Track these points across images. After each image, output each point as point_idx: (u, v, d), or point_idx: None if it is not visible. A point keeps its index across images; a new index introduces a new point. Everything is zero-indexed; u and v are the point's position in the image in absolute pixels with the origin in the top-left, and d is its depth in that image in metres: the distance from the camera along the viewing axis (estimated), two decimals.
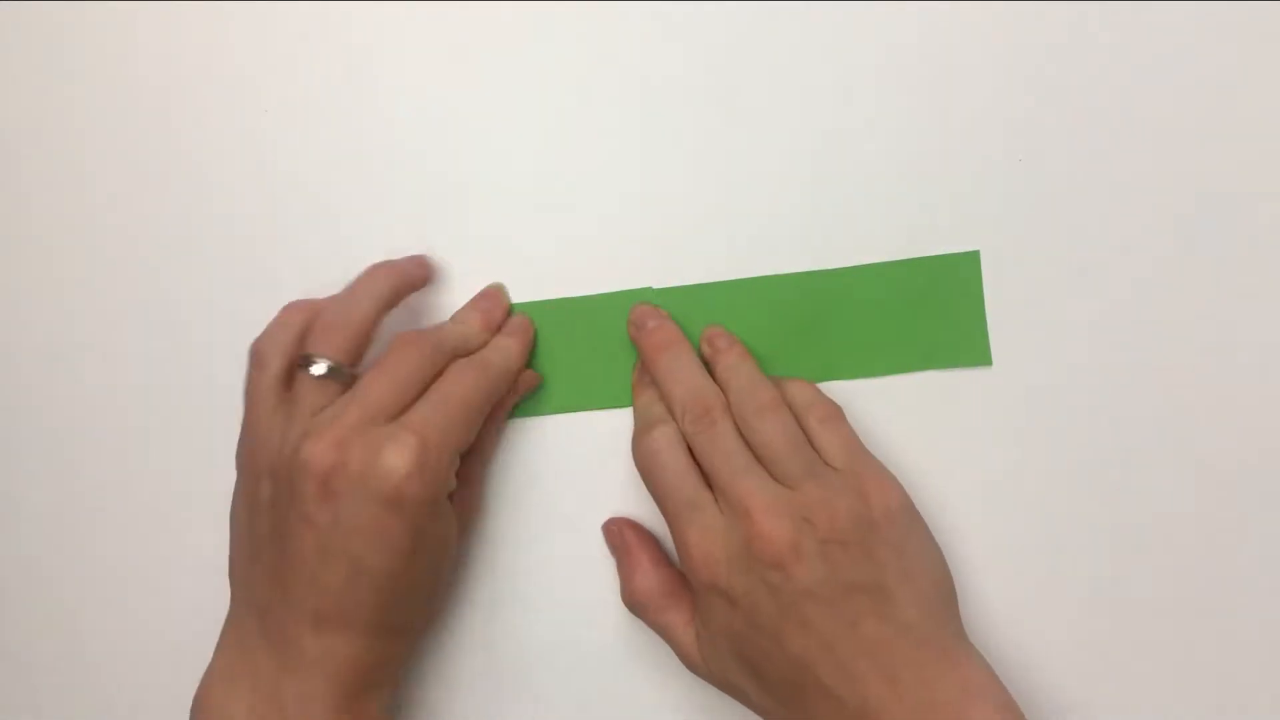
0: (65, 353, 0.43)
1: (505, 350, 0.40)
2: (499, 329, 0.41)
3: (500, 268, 0.42)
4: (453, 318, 0.41)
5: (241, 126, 0.42)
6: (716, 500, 0.36)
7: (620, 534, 0.40)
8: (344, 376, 0.37)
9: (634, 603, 0.39)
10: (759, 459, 0.36)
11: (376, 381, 0.36)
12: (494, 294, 0.41)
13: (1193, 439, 0.40)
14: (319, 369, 0.37)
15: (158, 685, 0.42)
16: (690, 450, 0.37)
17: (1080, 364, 0.40)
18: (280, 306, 0.39)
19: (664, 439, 0.37)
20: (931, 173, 0.40)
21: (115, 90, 0.42)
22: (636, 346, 0.40)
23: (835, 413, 0.38)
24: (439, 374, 0.37)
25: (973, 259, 0.40)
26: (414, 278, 0.41)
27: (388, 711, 0.37)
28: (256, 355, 0.38)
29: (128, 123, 0.43)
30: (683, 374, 0.38)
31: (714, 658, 0.36)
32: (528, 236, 0.42)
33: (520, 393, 0.41)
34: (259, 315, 0.42)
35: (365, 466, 0.34)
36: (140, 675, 0.43)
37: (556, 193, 0.42)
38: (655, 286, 0.41)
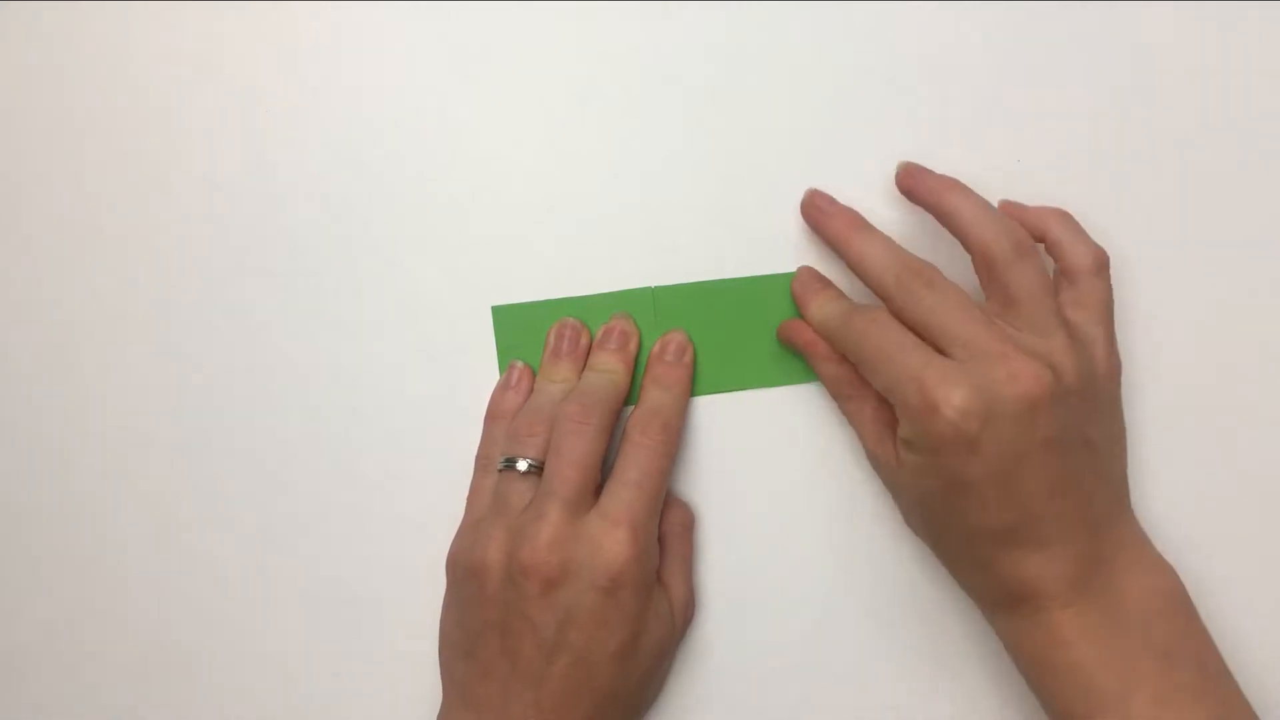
0: (64, 353, 0.43)
1: (674, 407, 0.39)
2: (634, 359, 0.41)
3: (500, 266, 0.42)
4: (593, 365, 0.40)
5: (241, 126, 0.42)
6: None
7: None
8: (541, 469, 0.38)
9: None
10: (1003, 312, 0.36)
11: (566, 471, 0.37)
12: (623, 330, 0.41)
13: (1195, 452, 0.40)
14: (523, 466, 0.38)
15: (153, 684, 0.43)
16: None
17: None
18: (274, 303, 0.40)
19: (876, 312, 0.37)
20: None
21: (115, 90, 0.42)
22: (819, 231, 0.40)
23: (1105, 261, 0.38)
24: (609, 431, 0.38)
25: None
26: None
27: None
28: (482, 461, 0.40)
29: (127, 123, 0.42)
30: (884, 245, 0.38)
31: (918, 493, 0.36)
32: (527, 236, 0.42)
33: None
34: (259, 314, 0.42)
35: (584, 563, 0.36)
36: (136, 675, 0.43)
37: (556, 192, 0.42)
38: (653, 286, 0.41)
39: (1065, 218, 0.39)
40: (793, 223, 0.41)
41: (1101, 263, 0.38)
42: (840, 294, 0.40)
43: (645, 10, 0.41)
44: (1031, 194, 0.40)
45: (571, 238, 0.42)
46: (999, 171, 0.40)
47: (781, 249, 0.41)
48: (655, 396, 0.40)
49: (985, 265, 0.36)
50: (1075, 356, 0.35)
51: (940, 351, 0.35)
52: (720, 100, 0.41)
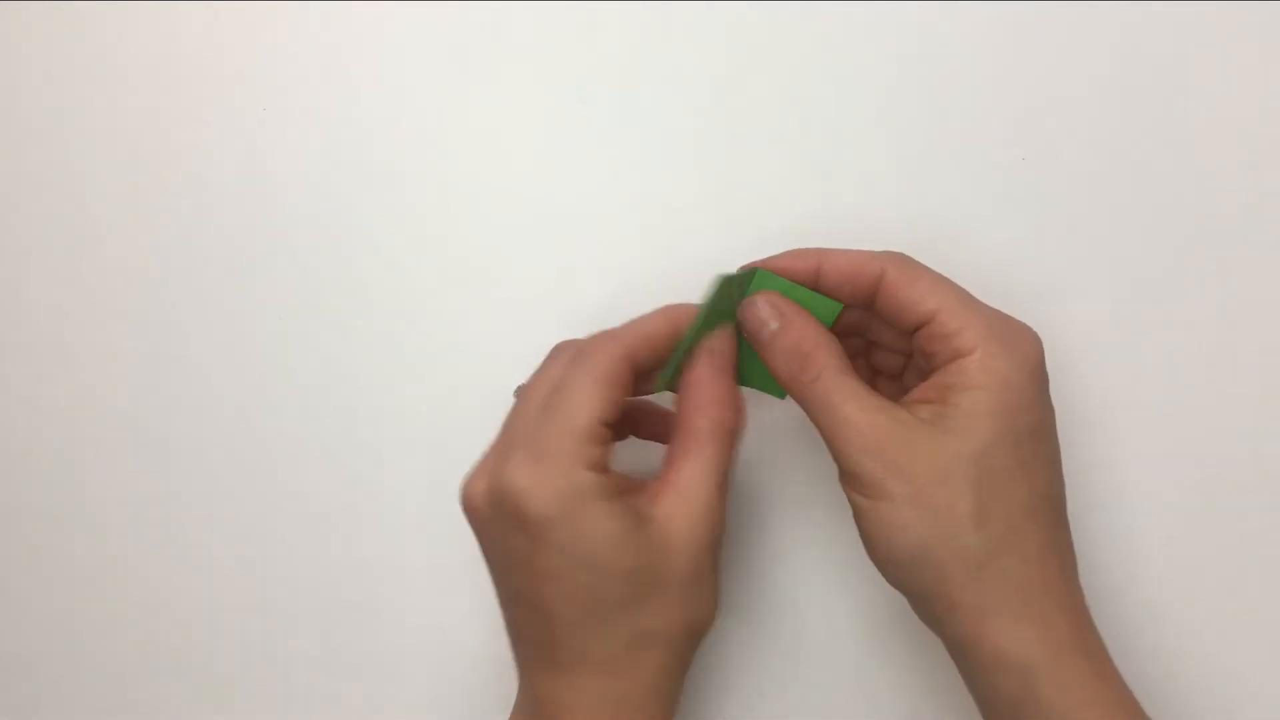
0: (63, 353, 0.43)
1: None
2: None
3: (501, 266, 0.42)
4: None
5: (241, 126, 0.42)
6: None
7: None
8: None
9: None
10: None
11: (520, 402, 0.33)
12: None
13: (1200, 438, 0.40)
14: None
15: (152, 685, 0.43)
16: None
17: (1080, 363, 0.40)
18: (272, 304, 0.41)
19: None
20: (932, 171, 0.41)
21: (114, 90, 0.43)
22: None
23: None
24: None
25: None
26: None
27: None
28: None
29: (126, 122, 0.43)
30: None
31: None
32: (526, 235, 0.42)
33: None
34: (257, 314, 0.42)
35: (493, 498, 0.32)
36: (136, 676, 0.43)
37: (555, 191, 0.42)
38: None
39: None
40: (795, 222, 0.41)
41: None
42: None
43: (645, 10, 0.41)
44: (1034, 193, 0.40)
45: (571, 237, 0.42)
46: (1001, 170, 0.40)
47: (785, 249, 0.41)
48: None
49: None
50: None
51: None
52: (720, 100, 0.41)
